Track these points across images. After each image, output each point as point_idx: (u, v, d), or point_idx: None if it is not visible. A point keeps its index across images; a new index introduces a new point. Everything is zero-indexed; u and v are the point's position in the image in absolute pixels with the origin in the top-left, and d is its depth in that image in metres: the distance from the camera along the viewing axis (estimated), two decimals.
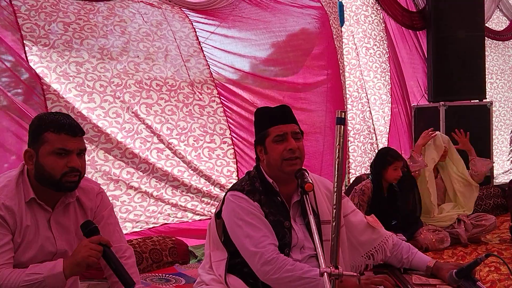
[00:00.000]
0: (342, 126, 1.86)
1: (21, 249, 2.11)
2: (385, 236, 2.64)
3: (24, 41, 4.32)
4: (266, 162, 2.50)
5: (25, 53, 4.31)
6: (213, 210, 4.94)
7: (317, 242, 1.99)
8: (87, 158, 4.40)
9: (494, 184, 6.72)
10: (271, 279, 2.26)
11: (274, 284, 2.29)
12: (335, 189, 1.85)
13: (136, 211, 4.69)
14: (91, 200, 2.32)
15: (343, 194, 2.68)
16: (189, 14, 5.22)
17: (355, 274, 1.98)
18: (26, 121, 4.06)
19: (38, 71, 4.33)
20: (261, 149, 2.53)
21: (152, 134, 4.82)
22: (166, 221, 4.83)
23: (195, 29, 5.22)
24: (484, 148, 6.66)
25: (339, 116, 1.85)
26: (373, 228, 2.64)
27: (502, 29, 8.16)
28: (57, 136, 2.12)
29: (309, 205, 2.20)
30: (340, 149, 1.85)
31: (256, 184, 2.49)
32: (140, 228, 4.68)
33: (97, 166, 4.53)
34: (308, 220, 2.24)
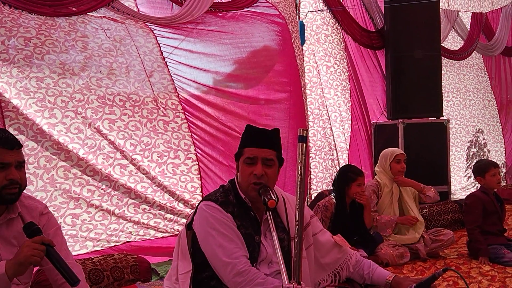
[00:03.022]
0: (304, 144, 1.91)
1: None
2: (349, 254, 2.71)
3: None
4: (239, 178, 2.54)
5: None
6: (176, 227, 4.93)
7: (280, 257, 2.02)
8: (46, 176, 4.37)
9: (452, 199, 6.89)
10: None
11: None
12: (297, 205, 1.90)
13: (97, 229, 4.62)
14: (34, 218, 2.31)
15: (312, 213, 2.74)
16: (153, 29, 5.22)
17: None
18: None
19: None
20: (237, 165, 2.57)
21: (115, 150, 4.78)
22: (128, 239, 4.77)
23: (159, 44, 5.22)
24: (442, 164, 6.85)
25: (301, 134, 1.90)
26: (340, 247, 2.70)
27: (457, 48, 8.46)
28: None
29: (272, 222, 2.23)
30: (302, 166, 1.90)
31: (229, 197, 2.52)
32: (102, 246, 4.61)
33: (57, 184, 4.45)
34: (279, 235, 2.26)
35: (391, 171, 4.94)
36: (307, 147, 1.92)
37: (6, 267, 2.02)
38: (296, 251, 1.86)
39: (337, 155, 6.97)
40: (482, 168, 4.79)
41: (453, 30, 8.48)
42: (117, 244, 4.70)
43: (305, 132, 1.89)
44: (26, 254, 2.01)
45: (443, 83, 7.33)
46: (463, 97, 8.55)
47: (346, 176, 4.71)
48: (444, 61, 7.94)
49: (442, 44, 7.65)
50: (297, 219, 1.89)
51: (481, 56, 8.93)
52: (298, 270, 1.86)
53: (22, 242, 2.14)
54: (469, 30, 8.59)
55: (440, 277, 2.40)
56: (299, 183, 1.88)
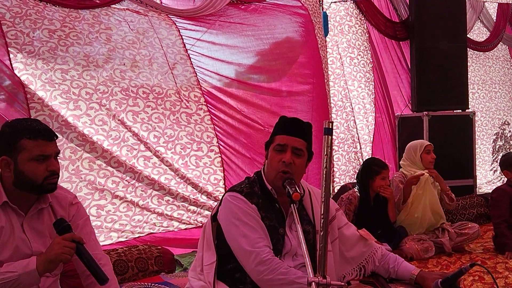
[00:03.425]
0: (330, 137, 1.88)
1: None
2: (374, 247, 2.69)
3: (9, 48, 4.29)
4: (266, 167, 2.53)
5: (9, 60, 4.28)
6: (199, 219, 4.95)
7: (304, 250, 2.01)
8: (71, 167, 4.42)
9: (477, 193, 6.79)
10: (264, 279, 2.26)
11: (266, 285, 2.29)
12: (323, 198, 1.88)
13: (121, 220, 4.66)
14: (64, 209, 2.34)
15: (337, 207, 2.72)
16: (176, 21, 5.23)
17: (342, 283, 2.01)
18: None
19: (23, 78, 4.31)
20: (266, 153, 2.55)
21: (139, 142, 4.81)
22: (151, 231, 4.81)
23: (182, 36, 5.23)
24: (467, 158, 6.75)
25: (326, 126, 1.88)
26: (365, 240, 2.68)
27: (483, 40, 8.29)
28: (35, 142, 2.15)
29: (297, 214, 2.21)
30: (328, 159, 1.87)
31: (255, 188, 2.50)
32: (126, 238, 4.65)
33: (82, 175, 4.50)
34: (304, 228, 2.25)
35: (422, 163, 4.87)
36: (332, 139, 1.90)
37: (37, 264, 2.04)
38: (322, 244, 1.84)
39: (361, 148, 6.91)
40: (510, 162, 4.70)
41: (479, 21, 8.31)
42: (141, 235, 4.74)
43: (330, 124, 1.87)
44: (56, 252, 2.03)
45: (468, 75, 7.20)
46: (489, 89, 8.38)
47: (370, 169, 4.67)
48: (470, 52, 7.78)
49: (468, 35, 7.50)
50: (322, 212, 1.87)
51: (507, 47, 8.73)
52: (324, 263, 1.84)
53: (53, 234, 2.16)
54: (495, 21, 8.40)
55: (466, 272, 2.36)
56: (324, 175, 1.86)
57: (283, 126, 2.53)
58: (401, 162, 5.11)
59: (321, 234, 1.85)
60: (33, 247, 2.19)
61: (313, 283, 1.79)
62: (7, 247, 2.14)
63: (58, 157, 2.28)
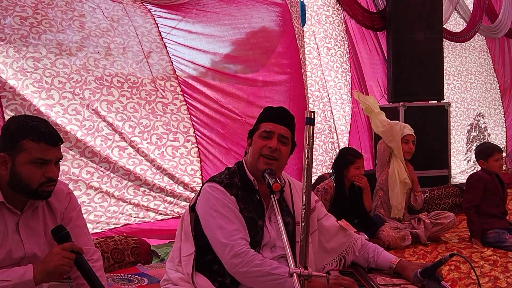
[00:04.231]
0: (312, 127, 1.85)
1: None
2: (354, 238, 2.69)
3: None
4: (249, 155, 2.50)
5: None
6: (176, 210, 4.90)
7: (285, 242, 1.98)
8: None
9: (452, 183, 6.87)
10: (240, 272, 2.24)
11: (242, 277, 2.27)
12: (305, 189, 1.85)
13: (96, 211, 4.58)
14: (61, 202, 2.26)
15: (317, 198, 2.71)
16: (151, 9, 5.13)
17: (324, 274, 1.99)
18: None
19: None
20: (249, 142, 2.53)
21: (113, 132, 4.72)
22: (127, 222, 4.74)
23: (157, 25, 5.13)
24: (442, 148, 6.82)
25: (308, 116, 1.84)
26: (345, 231, 2.67)
27: (459, 30, 8.37)
28: (37, 145, 2.05)
29: (277, 205, 2.19)
30: (310, 149, 1.84)
31: (235, 179, 2.47)
32: (101, 229, 4.57)
33: None
34: (284, 220, 2.23)
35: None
36: (313, 129, 1.87)
37: (34, 273, 1.96)
38: (303, 235, 1.82)
39: (337, 138, 6.93)
40: (486, 152, 4.76)
41: (456, 11, 8.38)
42: (117, 226, 4.67)
43: (312, 114, 1.83)
44: (56, 264, 1.95)
45: (444, 66, 7.27)
46: (465, 80, 8.48)
47: (345, 159, 4.70)
48: (446, 43, 7.86)
49: (444, 26, 7.57)
50: (304, 203, 1.84)
51: (484, 38, 8.84)
52: (305, 254, 1.81)
53: (48, 232, 2.08)
54: (471, 11, 8.49)
55: None
56: (306, 166, 1.83)
57: (269, 114, 2.51)
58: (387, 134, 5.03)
59: (303, 225, 1.82)
60: (26, 248, 2.11)
61: (295, 274, 1.77)
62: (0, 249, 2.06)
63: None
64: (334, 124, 6.94)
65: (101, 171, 4.64)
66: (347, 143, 6.96)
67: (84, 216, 4.39)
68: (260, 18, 5.76)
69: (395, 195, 4.84)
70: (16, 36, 4.34)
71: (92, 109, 4.63)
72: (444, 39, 7.36)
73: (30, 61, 4.38)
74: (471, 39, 8.49)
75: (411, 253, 4.45)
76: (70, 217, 2.27)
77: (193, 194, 4.92)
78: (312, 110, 1.89)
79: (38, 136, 2.05)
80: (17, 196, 2.11)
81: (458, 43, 8.35)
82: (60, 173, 4.24)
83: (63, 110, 4.48)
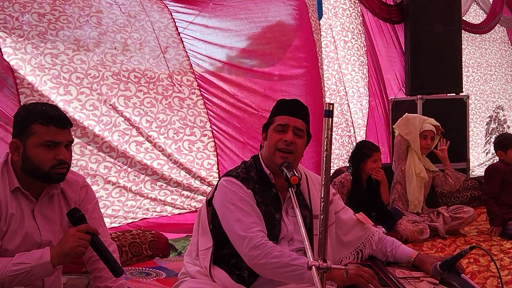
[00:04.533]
0: (330, 119, 1.83)
1: (6, 237, 2.07)
2: (372, 231, 2.67)
3: None
4: (265, 148, 2.49)
5: None
6: (193, 204, 4.92)
7: (304, 235, 1.97)
8: None
9: (471, 176, 6.80)
10: (258, 264, 2.24)
11: (261, 269, 2.27)
12: (323, 182, 1.83)
13: (114, 206, 4.62)
14: (75, 192, 2.28)
15: (334, 191, 2.70)
16: (168, 4, 5.14)
17: (343, 267, 1.97)
18: None
19: (12, 63, 4.23)
20: (264, 135, 2.52)
21: (130, 127, 4.74)
22: (145, 216, 4.77)
23: (174, 20, 5.14)
24: (461, 141, 6.74)
25: (327, 108, 1.83)
26: (362, 224, 2.65)
27: (479, 22, 8.24)
28: (46, 128, 2.08)
29: (295, 199, 2.18)
30: (329, 141, 1.83)
31: (251, 173, 2.47)
32: (119, 223, 4.61)
33: (73, 161, 4.42)
34: (301, 213, 2.22)
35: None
36: (332, 122, 1.85)
37: (51, 255, 1.99)
38: (322, 228, 1.80)
39: (354, 132, 6.90)
40: (505, 143, 4.73)
41: (475, 3, 8.26)
42: (134, 220, 4.70)
43: (331, 106, 1.82)
44: (71, 245, 1.97)
45: (463, 58, 7.19)
46: (484, 72, 8.35)
47: (362, 152, 4.68)
48: (466, 35, 7.75)
49: (463, 18, 7.47)
50: (322, 196, 1.83)
51: (505, 29, 8.69)
52: (324, 247, 1.80)
53: (63, 221, 2.10)
54: (491, 3, 8.35)
55: None
56: (325, 158, 1.82)
57: (283, 107, 2.49)
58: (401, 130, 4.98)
59: (321, 217, 1.81)
60: (43, 235, 2.13)
61: (314, 266, 1.76)
62: (16, 235, 2.09)
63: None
64: (351, 117, 6.90)
65: (118, 166, 4.67)
66: (364, 136, 6.92)
67: (102, 210, 4.45)
68: (277, 12, 5.73)
69: (412, 190, 4.80)
70: (34, 33, 4.38)
71: (110, 105, 4.65)
72: (463, 31, 7.26)
73: (48, 57, 4.42)
74: (492, 30, 8.35)
75: (429, 246, 4.42)
76: (86, 209, 2.28)
77: (209, 188, 4.93)
78: (331, 102, 1.87)
79: (47, 120, 2.08)
80: (33, 182, 2.14)
81: (478, 35, 8.22)
82: (78, 168, 4.34)
83: (80, 105, 4.51)
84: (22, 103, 4.21)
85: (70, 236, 1.99)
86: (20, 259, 1.98)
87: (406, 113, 5.01)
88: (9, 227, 2.08)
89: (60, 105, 4.38)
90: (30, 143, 2.08)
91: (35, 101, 4.26)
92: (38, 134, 2.07)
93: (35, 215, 2.15)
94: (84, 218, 2.06)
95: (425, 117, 5.03)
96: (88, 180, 4.46)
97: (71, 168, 2.24)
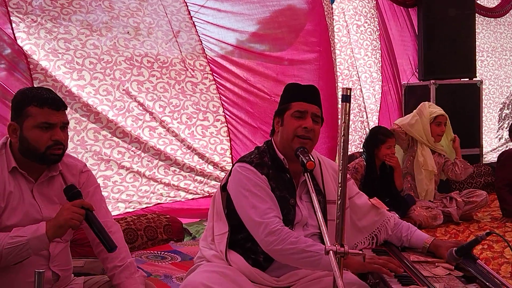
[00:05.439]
0: (348, 104, 1.83)
1: (5, 214, 2.12)
2: (387, 216, 2.66)
3: (11, 18, 4.21)
4: (280, 134, 2.47)
5: (12, 29, 4.20)
6: (206, 189, 4.94)
7: (321, 220, 1.97)
8: (76, 138, 4.38)
9: (484, 162, 6.76)
10: (274, 249, 2.24)
11: (277, 255, 2.28)
12: (341, 167, 1.83)
13: (128, 191, 4.64)
14: (74, 176, 2.33)
15: (348, 176, 2.69)
16: None
17: (360, 252, 1.98)
18: (7, 98, 3.98)
19: (26, 48, 4.23)
20: (278, 120, 2.50)
21: (144, 112, 4.75)
22: (159, 201, 4.79)
23: (186, 3, 5.12)
24: (474, 127, 6.70)
25: (344, 93, 1.82)
26: (377, 209, 2.65)
27: (494, 6, 8.11)
28: (41, 110, 2.14)
29: (311, 184, 2.18)
30: (346, 126, 1.82)
31: (265, 158, 2.47)
32: (133, 208, 4.63)
33: (87, 146, 4.45)
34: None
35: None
36: (350, 106, 1.84)
37: (46, 228, 2.03)
38: (339, 213, 1.81)
39: (367, 117, 6.87)
40: None
41: None
42: (149, 205, 4.72)
43: (348, 91, 1.81)
44: (65, 218, 2.03)
45: (477, 42, 7.10)
46: (499, 56, 8.22)
47: (376, 138, 4.67)
48: (480, 19, 7.64)
49: (478, 1, 7.36)
50: (340, 181, 1.82)
51: None
52: (341, 232, 1.81)
53: (63, 201, 2.14)
54: None
55: None
56: (342, 143, 1.81)
57: (300, 93, 2.48)
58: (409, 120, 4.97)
59: (339, 202, 1.81)
60: (43, 212, 2.19)
61: (331, 251, 1.76)
62: (16, 212, 2.14)
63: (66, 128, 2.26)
64: (364, 102, 6.87)
65: (132, 151, 4.68)
66: (377, 122, 6.88)
67: (116, 195, 4.53)
68: None
69: (420, 182, 4.81)
70: (47, 18, 4.38)
71: (123, 90, 4.66)
72: (477, 15, 7.17)
73: (62, 42, 4.42)
74: (507, 14, 8.21)
75: (443, 232, 4.42)
76: (87, 192, 2.33)
77: (223, 174, 4.95)
78: (348, 87, 1.86)
79: (41, 102, 2.14)
80: (31, 164, 2.19)
81: (493, 19, 8.10)
82: (92, 153, 4.36)
83: (94, 90, 4.52)
84: None
85: (64, 209, 2.05)
86: (17, 233, 2.03)
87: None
88: (7, 204, 2.13)
89: (74, 90, 4.40)
90: (26, 125, 2.14)
91: (48, 87, 4.27)
92: (34, 116, 2.14)
93: (34, 194, 2.20)
94: (80, 194, 2.11)
95: (427, 103, 5.03)
96: (102, 165, 4.51)
97: (78, 156, 2.27)
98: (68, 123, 2.27)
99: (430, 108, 4.89)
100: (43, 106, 2.14)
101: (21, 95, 2.20)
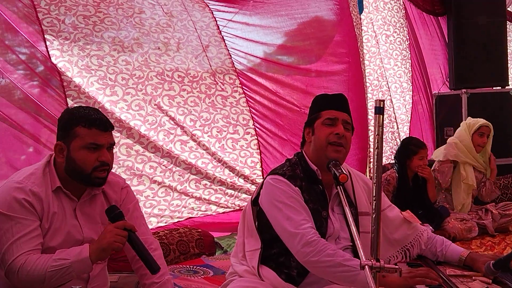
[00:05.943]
0: (381, 116, 1.82)
1: (49, 235, 2.15)
2: (420, 230, 2.63)
3: (45, 36, 4.31)
4: (313, 144, 2.47)
5: (46, 47, 4.30)
6: (237, 202, 4.95)
7: (355, 233, 1.96)
8: None
9: None
10: (311, 261, 2.23)
11: (312, 267, 2.26)
12: (375, 180, 1.82)
13: (160, 205, 4.68)
14: (116, 193, 2.35)
15: None
16: (209, 3, 5.18)
17: (396, 267, 1.95)
18: (41, 114, 4.06)
19: (59, 65, 4.31)
20: (309, 131, 2.51)
21: (175, 126, 4.80)
22: (190, 215, 4.81)
23: (215, 18, 5.18)
24: (507, 136, 6.56)
25: (377, 105, 1.81)
26: (409, 223, 2.62)
27: None
28: (89, 131, 2.16)
29: (344, 196, 2.17)
30: (380, 139, 1.81)
31: (297, 170, 2.46)
32: (165, 222, 4.65)
33: (120, 161, 4.51)
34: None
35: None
36: (383, 118, 1.83)
37: (90, 251, 2.05)
38: (374, 226, 1.79)
39: (398, 128, 6.80)
40: None
41: None
42: (180, 220, 4.74)
43: (382, 103, 1.80)
44: (109, 241, 2.03)
45: (509, 50, 6.98)
46: None
47: (408, 149, 4.62)
48: (511, 26, 7.53)
49: (508, 9, 7.26)
50: (374, 194, 1.81)
51: None
52: (376, 246, 1.79)
53: (105, 220, 2.16)
54: None
55: None
56: (376, 156, 1.80)
57: (329, 102, 2.49)
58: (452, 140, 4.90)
59: (374, 216, 1.79)
60: (85, 233, 2.21)
61: (367, 266, 1.75)
62: (59, 233, 2.17)
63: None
64: (394, 113, 6.81)
65: (163, 165, 4.72)
66: (408, 132, 6.81)
67: (149, 210, 4.56)
68: (317, 7, 5.70)
69: (457, 195, 4.73)
70: (80, 35, 4.46)
71: (155, 104, 4.72)
72: (508, 22, 7.06)
73: (94, 58, 4.50)
74: None
75: (478, 244, 4.33)
76: (127, 209, 2.35)
77: (253, 187, 4.95)
78: (382, 99, 1.85)
79: (90, 122, 2.17)
80: (75, 184, 2.22)
81: None
82: (124, 169, 4.41)
83: (126, 106, 4.59)
84: (69, 106, 4.31)
85: (107, 232, 2.06)
86: (60, 255, 2.05)
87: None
88: (51, 225, 2.15)
89: (107, 105, 4.47)
90: (74, 145, 2.17)
91: (81, 103, 4.36)
92: (82, 137, 2.16)
93: (77, 213, 2.23)
94: (122, 215, 2.12)
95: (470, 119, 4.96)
96: (135, 181, 4.56)
97: (112, 170, 2.30)
98: (114, 143, 2.29)
99: (473, 120, 4.83)
100: (91, 127, 2.16)
101: (69, 115, 2.22)
